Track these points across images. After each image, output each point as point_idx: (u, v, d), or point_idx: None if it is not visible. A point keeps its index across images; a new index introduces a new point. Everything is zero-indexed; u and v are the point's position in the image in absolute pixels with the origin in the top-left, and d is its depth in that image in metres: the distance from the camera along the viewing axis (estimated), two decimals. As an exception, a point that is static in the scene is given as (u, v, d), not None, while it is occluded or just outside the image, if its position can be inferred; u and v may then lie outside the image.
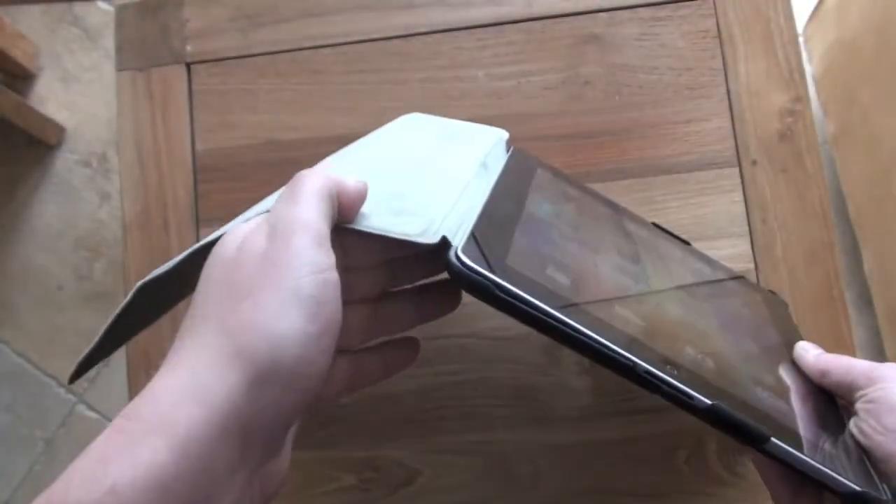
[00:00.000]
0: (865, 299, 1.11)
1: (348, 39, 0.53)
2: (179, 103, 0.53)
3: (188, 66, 0.53)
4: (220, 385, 0.24)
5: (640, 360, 0.29)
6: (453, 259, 0.29)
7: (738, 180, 0.49)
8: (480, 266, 0.29)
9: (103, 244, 1.25)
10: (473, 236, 0.30)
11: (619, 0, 0.51)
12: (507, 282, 0.29)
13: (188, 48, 0.54)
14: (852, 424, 0.34)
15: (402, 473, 0.47)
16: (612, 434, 0.46)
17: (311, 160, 0.51)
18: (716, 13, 0.51)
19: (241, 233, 0.28)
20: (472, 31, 0.52)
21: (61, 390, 1.21)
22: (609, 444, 0.46)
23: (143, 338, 0.50)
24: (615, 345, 0.29)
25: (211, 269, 0.28)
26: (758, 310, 0.42)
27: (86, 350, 0.33)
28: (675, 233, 0.45)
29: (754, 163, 0.49)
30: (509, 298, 0.29)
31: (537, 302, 0.29)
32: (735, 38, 0.51)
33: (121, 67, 0.54)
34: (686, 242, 0.45)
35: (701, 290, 0.40)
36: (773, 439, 0.30)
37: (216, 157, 0.52)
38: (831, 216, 0.49)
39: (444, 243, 0.30)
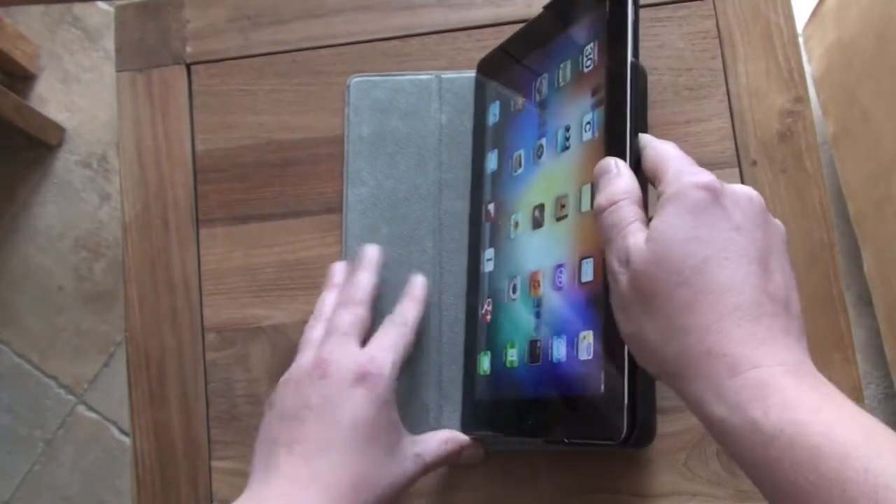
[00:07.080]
0: (865, 300, 1.11)
1: (348, 39, 0.53)
2: (179, 104, 0.53)
3: (188, 66, 0.53)
4: None
5: None
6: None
7: (738, 181, 0.49)
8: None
9: (103, 244, 1.25)
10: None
11: (618, 0, 0.51)
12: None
13: (188, 49, 0.54)
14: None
15: (402, 474, 0.47)
16: (611, 434, 0.46)
17: (311, 160, 0.52)
18: (715, 13, 0.51)
19: None
20: (472, 31, 0.52)
21: (61, 391, 1.21)
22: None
23: (143, 338, 0.51)
24: None
25: None
26: None
27: None
28: None
29: (754, 163, 0.49)
30: None
31: None
32: (735, 39, 0.51)
33: (121, 68, 0.54)
34: None
35: None
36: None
37: (216, 158, 0.52)
38: (831, 216, 0.49)
39: None
